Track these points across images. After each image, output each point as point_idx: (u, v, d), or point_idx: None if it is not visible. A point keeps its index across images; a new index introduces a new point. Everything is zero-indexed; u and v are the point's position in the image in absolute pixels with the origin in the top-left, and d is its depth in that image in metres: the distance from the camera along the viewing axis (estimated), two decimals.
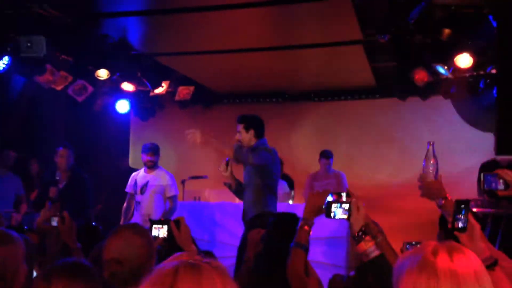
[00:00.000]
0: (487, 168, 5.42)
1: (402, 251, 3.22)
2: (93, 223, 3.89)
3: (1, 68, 5.38)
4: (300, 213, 3.02)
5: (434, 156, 2.34)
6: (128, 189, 5.95)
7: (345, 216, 2.24)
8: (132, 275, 1.93)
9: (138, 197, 5.82)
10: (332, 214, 2.27)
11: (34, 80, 5.98)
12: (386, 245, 2.41)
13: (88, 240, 3.28)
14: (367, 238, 2.13)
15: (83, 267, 1.67)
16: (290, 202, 6.30)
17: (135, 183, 5.88)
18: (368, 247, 2.10)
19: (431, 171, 2.32)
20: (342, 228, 4.92)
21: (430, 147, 2.34)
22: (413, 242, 3.27)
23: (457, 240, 1.92)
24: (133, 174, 6.01)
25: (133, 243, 2.10)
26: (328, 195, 2.45)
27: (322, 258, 5.28)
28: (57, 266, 1.65)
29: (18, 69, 5.74)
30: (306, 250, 2.46)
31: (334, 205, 2.28)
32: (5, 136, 6.31)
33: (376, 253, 2.09)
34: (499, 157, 4.76)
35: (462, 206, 1.85)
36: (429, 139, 2.39)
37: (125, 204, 5.96)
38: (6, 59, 5.36)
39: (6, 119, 6.49)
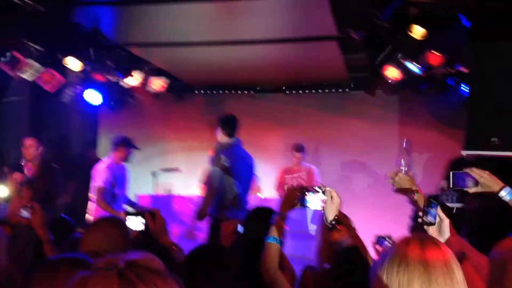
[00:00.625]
0: (455, 164, 5.59)
1: (374, 244, 3.30)
2: (64, 216, 3.81)
3: None
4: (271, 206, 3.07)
5: (408, 153, 2.41)
6: (107, 183, 5.69)
7: (319, 206, 2.29)
8: None
9: (117, 189, 5.75)
10: (306, 204, 2.32)
11: (1, 67, 5.78)
12: (356, 238, 2.47)
13: (59, 232, 3.24)
14: (340, 227, 2.16)
15: (86, 261, 1.68)
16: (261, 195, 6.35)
17: (114, 175, 5.75)
18: (341, 236, 2.13)
19: (404, 167, 2.38)
20: (316, 221, 5.00)
21: (405, 144, 2.41)
22: (384, 236, 3.36)
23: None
24: (104, 166, 5.83)
25: (111, 236, 2.11)
26: (302, 190, 2.49)
27: (297, 251, 5.34)
28: (62, 259, 1.65)
29: None
30: (281, 243, 2.48)
31: (308, 195, 2.32)
32: None
33: (348, 242, 2.13)
34: (466, 154, 4.92)
35: (432, 200, 1.92)
36: (398, 134, 2.47)
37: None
38: None
39: None
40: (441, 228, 1.90)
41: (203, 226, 4.85)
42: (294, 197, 2.46)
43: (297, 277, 3.00)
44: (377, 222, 6.03)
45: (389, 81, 6.35)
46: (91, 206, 5.76)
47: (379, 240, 3.32)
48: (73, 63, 6.14)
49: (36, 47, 5.78)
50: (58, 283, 1.59)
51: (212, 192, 4.60)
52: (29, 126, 7.36)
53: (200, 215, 4.61)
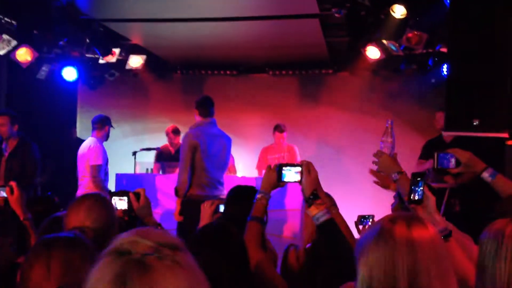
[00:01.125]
0: (433, 144, 5.68)
1: (356, 224, 3.33)
2: (49, 193, 3.74)
3: None
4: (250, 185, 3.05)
5: (392, 134, 2.41)
6: (104, 160, 5.66)
7: (296, 179, 2.28)
8: (95, 244, 1.90)
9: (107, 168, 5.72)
10: (284, 179, 2.31)
11: None
12: (340, 218, 2.48)
13: (43, 210, 3.19)
14: (318, 201, 2.15)
15: (81, 240, 1.67)
16: (239, 174, 6.36)
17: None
18: (319, 210, 2.12)
19: (388, 148, 2.39)
20: (299, 200, 5.02)
21: (389, 125, 2.41)
22: (367, 216, 3.39)
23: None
24: (98, 144, 5.75)
25: (96, 212, 2.10)
26: (283, 168, 2.47)
27: (279, 231, 5.39)
28: (57, 237, 1.64)
29: None
30: (263, 223, 2.46)
31: (285, 168, 2.31)
32: None
33: (326, 216, 2.12)
34: (445, 134, 4.98)
35: (419, 178, 1.91)
36: (380, 115, 2.48)
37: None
38: None
39: None
40: (427, 206, 1.90)
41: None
42: (276, 176, 2.42)
43: (279, 257, 3.01)
44: (362, 203, 6.11)
45: (370, 61, 6.37)
46: (83, 184, 5.68)
47: (362, 220, 3.34)
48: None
49: (11, 21, 5.61)
50: (53, 263, 1.56)
51: (183, 170, 4.70)
52: (5, 104, 7.19)
53: (176, 193, 4.72)
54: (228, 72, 8.07)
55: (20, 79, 7.04)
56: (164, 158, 6.70)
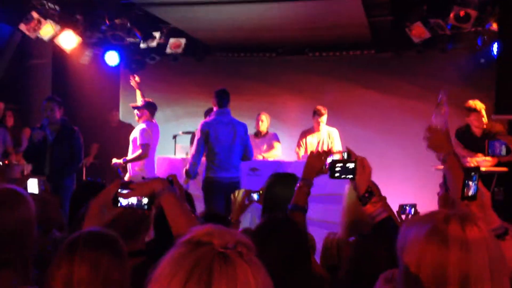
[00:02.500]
0: (461, 133, 5.40)
1: (398, 214, 3.21)
2: (98, 180, 3.75)
3: None
4: (288, 169, 2.98)
5: (445, 106, 2.21)
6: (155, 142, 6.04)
7: (350, 176, 2.14)
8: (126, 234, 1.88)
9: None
10: (336, 174, 2.17)
11: (20, 29, 5.75)
12: (389, 208, 2.37)
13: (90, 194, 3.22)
14: (374, 199, 1.99)
15: (110, 237, 1.57)
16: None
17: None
18: (376, 208, 1.98)
19: (441, 122, 2.19)
20: (341, 185, 4.92)
21: (442, 97, 2.22)
22: (408, 204, 3.27)
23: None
24: (147, 126, 5.93)
25: None
26: (328, 156, 2.37)
27: (319, 215, 5.30)
28: (83, 236, 1.55)
29: (4, 17, 5.51)
30: (305, 212, 2.37)
31: (338, 165, 2.17)
32: None
33: (383, 215, 1.98)
34: (493, 118, 4.73)
35: (473, 173, 1.75)
36: (424, 96, 2.32)
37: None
38: None
39: None
40: (482, 203, 1.74)
41: None
42: (319, 163, 2.33)
43: (316, 243, 2.95)
44: (402, 189, 5.96)
45: (415, 40, 6.13)
46: (130, 165, 5.86)
47: (404, 209, 3.24)
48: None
49: (55, 7, 5.72)
50: (76, 266, 1.48)
51: (194, 152, 5.26)
52: (51, 89, 7.40)
53: (186, 174, 5.26)
54: (267, 54, 7.98)
55: (64, 64, 7.21)
56: None
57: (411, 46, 6.54)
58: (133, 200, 1.66)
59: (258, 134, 6.76)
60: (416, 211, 3.14)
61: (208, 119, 5.39)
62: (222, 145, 5.23)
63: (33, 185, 2.72)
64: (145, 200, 1.66)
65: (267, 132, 6.80)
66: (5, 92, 6.78)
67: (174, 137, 6.68)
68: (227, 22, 6.62)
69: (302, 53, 7.81)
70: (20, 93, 7.34)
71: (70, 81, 7.33)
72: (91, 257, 1.49)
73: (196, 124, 7.22)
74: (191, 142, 6.80)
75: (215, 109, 5.38)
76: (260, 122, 6.75)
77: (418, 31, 5.98)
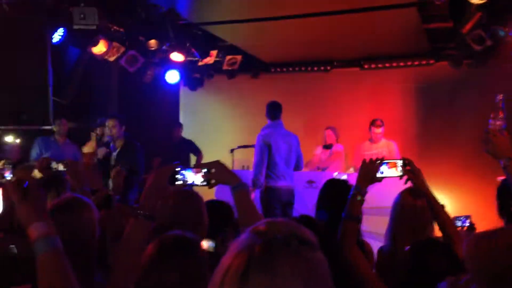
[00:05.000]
0: None
1: None
2: None
3: (57, 40, 5.54)
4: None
5: (503, 110, 2.15)
6: None
7: (396, 174, 2.20)
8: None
9: None
10: (382, 174, 2.22)
11: (88, 51, 6.13)
12: (448, 219, 2.33)
13: None
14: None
15: (192, 241, 1.64)
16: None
17: None
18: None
19: (498, 125, 2.13)
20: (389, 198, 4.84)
21: (500, 100, 2.16)
22: (462, 216, 3.17)
23: None
24: None
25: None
26: (381, 163, 2.32)
27: (372, 227, 5.21)
28: (170, 241, 1.61)
29: (72, 40, 5.90)
30: (359, 221, 2.33)
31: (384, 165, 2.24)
32: (61, 106, 6.55)
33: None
34: None
35: None
36: (487, 107, 2.23)
37: None
38: (61, 30, 5.52)
39: (62, 90, 6.72)
40: None
41: None
42: (372, 170, 2.30)
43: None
44: (458, 200, 5.74)
45: (476, 49, 5.94)
46: None
47: (458, 221, 3.14)
48: (153, 44, 6.37)
49: (119, 29, 6.05)
50: (165, 272, 1.54)
51: (258, 163, 5.44)
52: (117, 106, 7.79)
53: (253, 184, 5.43)
54: (321, 67, 8.00)
55: (128, 83, 7.58)
56: None
57: (472, 54, 6.34)
58: (190, 179, 1.77)
59: (328, 146, 6.81)
60: (471, 222, 3.04)
61: (265, 131, 5.55)
62: (281, 156, 5.46)
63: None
64: (199, 181, 1.75)
65: (334, 145, 6.83)
66: (75, 112, 7.20)
67: (232, 150, 6.81)
68: (282, 38, 6.73)
69: (357, 65, 7.78)
70: (90, 112, 7.76)
71: (134, 99, 7.68)
72: (179, 263, 1.56)
73: (252, 138, 7.38)
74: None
75: (268, 121, 5.57)
76: (328, 136, 6.80)
77: (478, 39, 5.79)
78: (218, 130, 6.85)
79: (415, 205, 2.60)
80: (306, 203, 5.72)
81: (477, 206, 4.46)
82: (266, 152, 5.41)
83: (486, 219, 2.51)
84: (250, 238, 0.94)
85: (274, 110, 5.56)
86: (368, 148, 6.64)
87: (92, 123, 7.50)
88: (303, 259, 0.92)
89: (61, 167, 3.12)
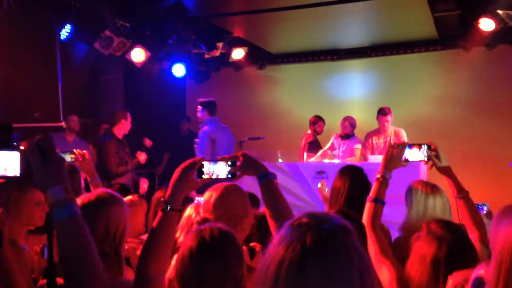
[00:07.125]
0: None
1: None
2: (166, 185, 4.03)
3: (65, 36, 5.55)
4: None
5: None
6: None
7: (421, 157, 2.23)
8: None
9: None
10: (408, 158, 2.25)
11: (95, 47, 6.13)
12: (471, 203, 2.33)
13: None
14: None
15: (231, 234, 1.67)
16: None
17: None
18: None
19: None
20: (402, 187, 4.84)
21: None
22: (480, 204, 3.18)
23: None
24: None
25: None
26: (405, 147, 2.35)
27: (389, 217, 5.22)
28: (209, 234, 1.64)
29: (80, 37, 5.90)
30: (383, 205, 2.30)
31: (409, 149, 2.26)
32: (69, 103, 6.57)
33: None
34: None
35: None
36: (494, 91, 2.28)
37: None
38: (68, 27, 5.52)
39: (70, 86, 6.74)
40: None
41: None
42: (397, 154, 2.30)
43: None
44: (476, 188, 5.72)
45: (484, 33, 5.91)
46: None
47: (481, 207, 3.16)
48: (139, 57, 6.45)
49: (125, 24, 6.03)
50: (207, 263, 1.59)
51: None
52: (123, 102, 7.80)
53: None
54: (328, 57, 7.97)
55: (135, 77, 7.58)
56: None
57: (480, 40, 6.30)
58: (217, 172, 1.79)
59: (344, 136, 6.77)
60: (489, 209, 3.05)
61: (208, 127, 5.86)
62: (224, 150, 5.81)
63: None
64: (223, 174, 1.78)
65: (350, 135, 6.80)
66: (83, 107, 7.22)
67: (241, 143, 6.81)
68: (287, 28, 6.70)
69: (364, 54, 7.75)
70: (97, 108, 7.78)
71: (141, 94, 7.69)
72: (220, 255, 1.60)
73: (258, 130, 7.39)
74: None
75: (208, 117, 5.90)
76: (344, 125, 6.77)
77: (487, 24, 5.76)
78: (226, 123, 6.79)
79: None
80: (316, 194, 5.72)
81: (492, 194, 4.45)
82: (210, 147, 5.73)
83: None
84: (296, 230, 0.96)
85: (214, 107, 5.95)
86: (377, 136, 6.64)
87: (98, 119, 7.53)
88: (352, 248, 0.95)
89: (68, 158, 3.02)
